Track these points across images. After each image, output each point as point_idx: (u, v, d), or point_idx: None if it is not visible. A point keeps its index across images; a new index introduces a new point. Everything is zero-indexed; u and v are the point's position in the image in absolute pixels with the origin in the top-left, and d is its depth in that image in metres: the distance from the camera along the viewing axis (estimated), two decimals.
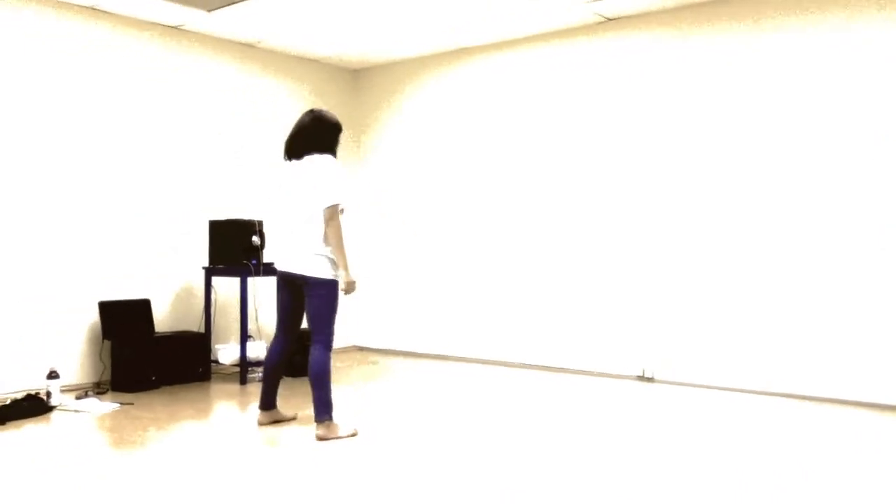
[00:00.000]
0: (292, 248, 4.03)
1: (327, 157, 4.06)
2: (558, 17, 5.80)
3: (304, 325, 5.14)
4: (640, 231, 5.75)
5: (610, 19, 5.86)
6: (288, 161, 4.16)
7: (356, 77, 7.56)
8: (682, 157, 5.55)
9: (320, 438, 3.96)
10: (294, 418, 4.46)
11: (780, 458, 3.61)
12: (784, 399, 5.01)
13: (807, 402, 4.91)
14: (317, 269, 3.98)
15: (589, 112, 6.01)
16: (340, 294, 3.95)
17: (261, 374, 5.82)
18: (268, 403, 4.33)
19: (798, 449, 3.79)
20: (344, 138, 7.42)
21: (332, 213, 3.97)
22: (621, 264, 5.84)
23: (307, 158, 4.07)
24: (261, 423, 4.33)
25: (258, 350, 6.03)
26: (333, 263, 4.01)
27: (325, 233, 3.98)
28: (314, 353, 3.99)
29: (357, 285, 6.69)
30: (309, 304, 4.03)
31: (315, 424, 4.01)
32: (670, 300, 5.60)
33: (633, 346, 5.77)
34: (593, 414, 4.57)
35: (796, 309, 5.08)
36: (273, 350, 4.26)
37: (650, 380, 5.67)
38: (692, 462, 3.54)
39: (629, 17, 5.79)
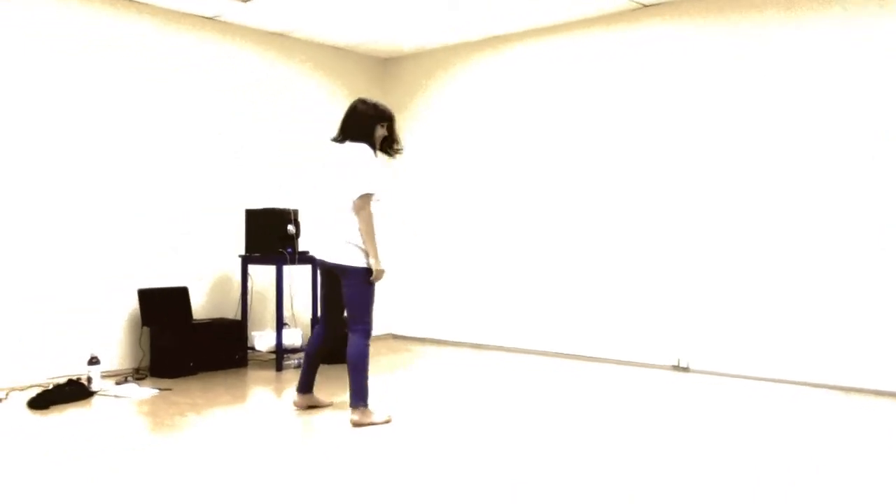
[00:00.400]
0: (328, 237, 4.06)
1: (362, 145, 4.08)
2: (593, 3, 5.74)
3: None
4: (677, 219, 5.69)
5: (646, 6, 5.78)
6: (336, 143, 4.18)
7: (386, 66, 7.57)
8: (723, 144, 5.47)
9: (355, 424, 3.99)
10: (330, 405, 4.50)
11: (818, 450, 3.56)
12: (824, 390, 4.94)
13: (850, 394, 4.83)
14: (350, 257, 4.00)
15: (623, 100, 5.94)
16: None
17: (297, 361, 5.90)
18: (306, 387, 4.38)
19: (832, 441, 3.73)
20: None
21: (363, 203, 3.97)
22: (657, 253, 5.79)
23: (347, 145, 4.11)
24: (296, 405, 4.39)
25: (293, 337, 6.08)
26: (366, 252, 4.03)
27: (358, 219, 4.00)
28: (352, 340, 4.03)
29: (385, 275, 6.72)
30: (346, 292, 4.06)
31: (350, 410, 4.04)
32: (706, 289, 5.54)
33: (669, 336, 5.72)
34: (627, 404, 4.54)
35: (837, 298, 4.99)
36: (316, 336, 4.33)
37: (685, 369, 5.61)
38: (727, 453, 3.51)
39: (666, 3, 5.71)
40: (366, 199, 3.98)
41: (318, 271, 4.25)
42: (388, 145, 4.27)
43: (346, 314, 4.12)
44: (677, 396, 4.73)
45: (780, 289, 5.21)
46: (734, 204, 5.42)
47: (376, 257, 4.01)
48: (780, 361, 5.20)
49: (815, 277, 5.07)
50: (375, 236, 3.99)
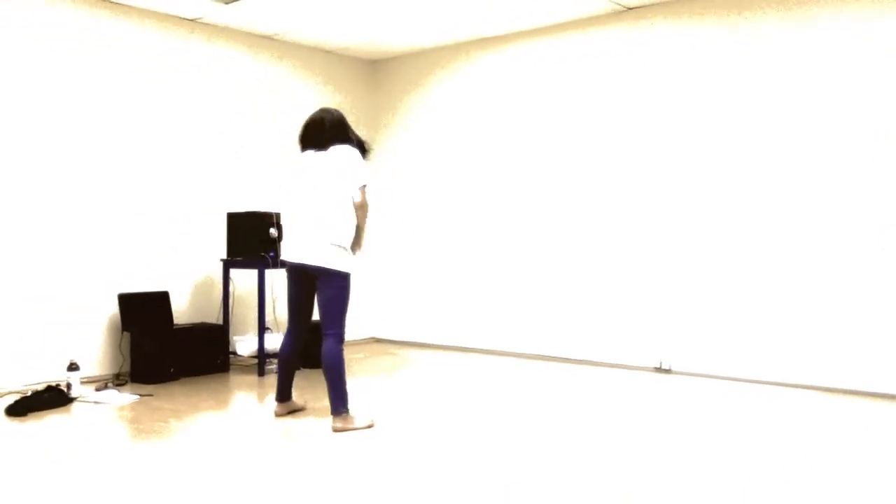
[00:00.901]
0: (308, 240, 4.03)
1: (346, 146, 4.15)
2: (577, 6, 5.75)
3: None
4: (657, 222, 5.71)
5: (629, 8, 5.80)
6: (309, 151, 4.16)
7: (374, 68, 7.55)
8: (703, 147, 5.50)
9: (337, 430, 3.97)
10: (304, 407, 4.49)
11: (799, 451, 3.58)
12: (805, 391, 4.97)
13: (828, 394, 4.86)
14: (335, 260, 4.00)
15: (607, 103, 5.96)
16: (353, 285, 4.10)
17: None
18: (284, 395, 4.35)
19: (816, 441, 3.75)
20: (361, 130, 7.42)
21: (364, 193, 4.12)
22: (638, 255, 5.80)
23: (333, 149, 4.12)
24: (277, 415, 4.35)
25: (276, 342, 6.04)
26: (348, 255, 4.04)
27: (356, 213, 4.10)
28: (327, 345, 4.01)
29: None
30: (323, 296, 4.04)
31: (332, 417, 4.02)
32: (687, 291, 5.56)
33: (650, 338, 5.74)
34: (609, 406, 4.54)
35: (817, 299, 5.02)
36: (286, 343, 4.28)
37: (667, 371, 5.63)
38: (709, 454, 3.52)
39: (649, 6, 5.73)
40: (364, 189, 4.11)
41: (289, 275, 4.21)
42: (362, 146, 4.31)
43: (320, 318, 4.09)
44: (660, 398, 4.74)
45: (762, 290, 5.24)
46: (716, 205, 5.44)
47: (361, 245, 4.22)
48: (761, 363, 5.23)
49: (798, 278, 5.10)
50: None
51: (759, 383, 5.21)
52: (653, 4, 5.69)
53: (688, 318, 5.56)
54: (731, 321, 5.36)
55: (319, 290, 4.07)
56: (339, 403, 3.99)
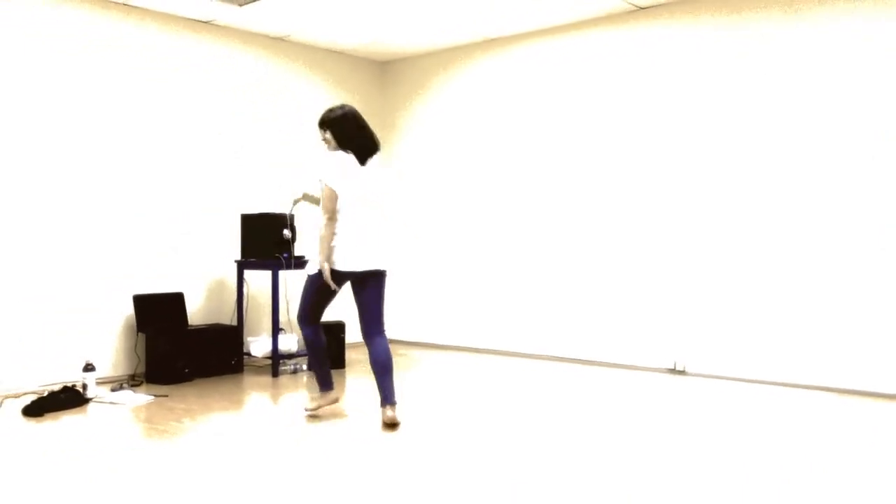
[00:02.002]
0: (375, 246, 4.18)
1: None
2: (589, 5, 5.74)
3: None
4: (673, 222, 5.69)
5: (641, 8, 5.79)
6: (363, 161, 4.23)
7: (384, 69, 7.56)
8: (718, 148, 5.47)
9: (395, 422, 4.10)
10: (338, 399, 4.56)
11: (815, 454, 3.55)
12: (823, 393, 4.93)
13: (846, 396, 4.82)
14: (389, 261, 4.31)
15: (619, 103, 5.94)
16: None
17: (293, 367, 5.88)
18: (330, 383, 4.44)
19: (834, 444, 3.72)
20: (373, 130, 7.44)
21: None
22: (653, 256, 5.78)
23: (371, 157, 4.27)
24: (320, 406, 4.41)
25: (289, 343, 6.07)
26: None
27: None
28: (384, 342, 4.17)
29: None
30: (378, 294, 4.19)
31: (389, 407, 4.10)
32: (702, 291, 5.53)
33: (665, 339, 5.71)
34: (623, 408, 4.53)
35: (834, 300, 4.99)
36: (320, 334, 4.35)
37: (682, 372, 5.61)
38: (723, 457, 3.50)
39: (661, 6, 5.71)
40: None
41: (339, 280, 4.18)
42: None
43: (370, 317, 4.16)
44: (674, 400, 4.72)
45: (777, 290, 5.21)
46: (730, 206, 5.41)
47: None
48: (776, 364, 5.20)
49: (813, 279, 5.07)
50: None
51: (775, 385, 5.18)
52: (666, 4, 5.67)
53: (702, 319, 5.54)
54: (747, 321, 5.33)
55: (373, 290, 4.16)
56: (395, 394, 4.28)
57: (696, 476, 3.21)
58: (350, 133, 4.19)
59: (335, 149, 4.21)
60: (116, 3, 5.54)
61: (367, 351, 6.90)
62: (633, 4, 5.70)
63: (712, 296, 5.49)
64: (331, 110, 4.23)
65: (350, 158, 4.14)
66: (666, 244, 5.72)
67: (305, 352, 6.04)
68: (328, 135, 4.23)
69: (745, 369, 5.33)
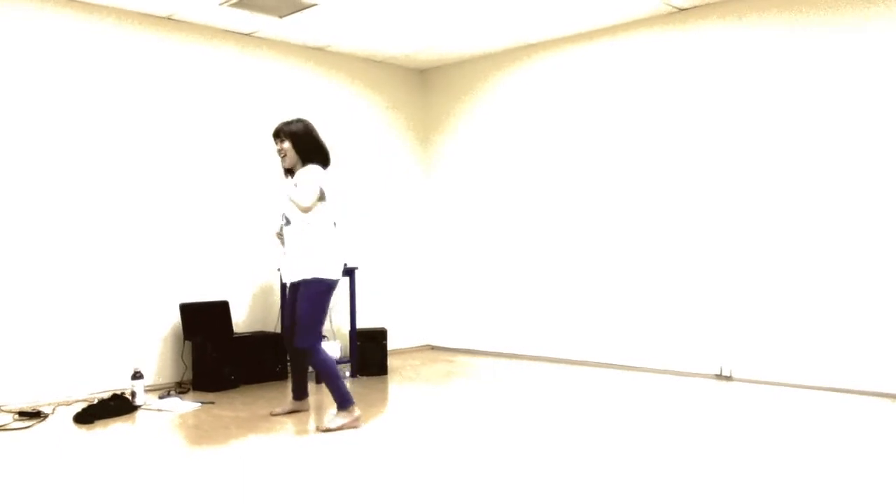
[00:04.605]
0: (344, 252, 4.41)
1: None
2: (630, 7, 5.69)
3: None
4: (718, 225, 5.60)
5: (682, 9, 5.72)
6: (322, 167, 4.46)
7: (424, 77, 7.59)
8: (762, 148, 5.38)
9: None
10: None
11: (870, 462, 3.46)
12: (878, 398, 4.81)
13: None
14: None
15: (661, 106, 5.88)
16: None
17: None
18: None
19: (889, 452, 3.62)
20: (413, 138, 7.48)
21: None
22: (699, 259, 5.70)
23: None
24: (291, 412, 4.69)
25: (332, 349, 6.11)
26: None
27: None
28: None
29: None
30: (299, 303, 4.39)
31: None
32: (749, 294, 5.43)
33: (711, 344, 5.62)
34: (670, 414, 4.47)
35: (888, 302, 4.86)
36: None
37: (728, 378, 5.51)
38: (776, 465, 3.43)
39: (703, 7, 5.64)
40: None
41: (334, 287, 4.43)
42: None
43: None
44: (721, 406, 4.65)
45: (828, 291, 5.09)
46: (778, 208, 5.31)
47: None
48: (828, 368, 5.08)
49: (867, 280, 4.95)
50: None
51: (827, 391, 5.06)
52: (706, 5, 5.60)
53: (749, 322, 5.44)
54: (796, 324, 5.22)
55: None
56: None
57: (748, 487, 3.15)
58: (316, 145, 4.42)
59: (294, 161, 4.38)
60: (160, 17, 5.65)
61: (407, 358, 6.92)
62: (673, 6, 5.64)
63: (759, 299, 5.39)
64: (289, 123, 4.40)
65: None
66: (712, 247, 5.64)
67: (343, 360, 6.09)
68: (287, 145, 4.38)
69: (794, 374, 5.22)
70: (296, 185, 4.30)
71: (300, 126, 4.38)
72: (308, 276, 4.28)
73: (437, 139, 7.49)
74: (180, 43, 5.78)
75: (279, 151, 4.38)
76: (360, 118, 7.01)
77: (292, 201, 4.25)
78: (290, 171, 4.45)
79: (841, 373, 5.02)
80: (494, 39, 6.50)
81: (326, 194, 4.31)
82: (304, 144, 4.37)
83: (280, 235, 4.50)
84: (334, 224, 4.39)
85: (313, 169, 4.32)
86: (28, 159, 5.05)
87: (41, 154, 5.10)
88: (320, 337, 4.34)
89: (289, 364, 4.50)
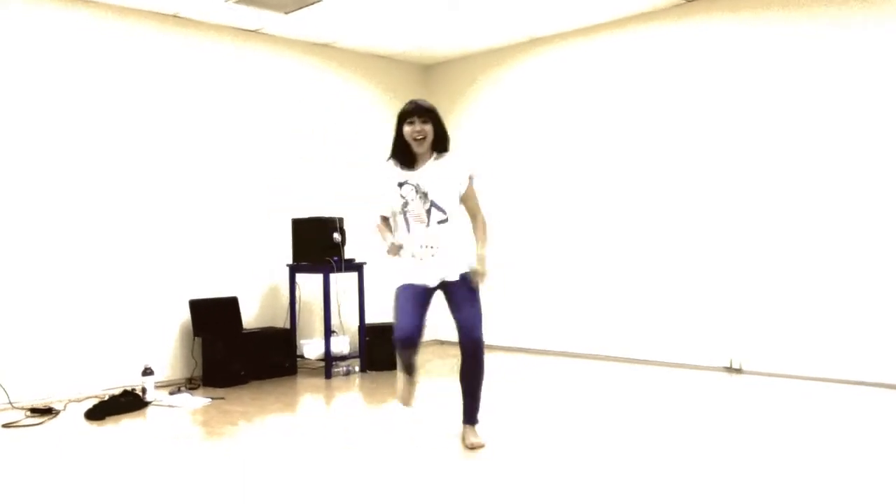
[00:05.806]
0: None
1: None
2: (634, 1, 5.67)
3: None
4: (728, 219, 5.58)
5: (689, 1, 5.70)
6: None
7: (429, 72, 7.58)
8: (771, 143, 5.36)
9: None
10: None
11: (883, 455, 3.45)
12: (884, 389, 4.79)
13: None
14: None
15: (669, 100, 5.86)
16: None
17: (345, 368, 5.94)
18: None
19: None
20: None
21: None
22: (708, 254, 5.68)
23: None
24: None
25: (342, 345, 6.12)
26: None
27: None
28: None
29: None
30: None
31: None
32: (758, 286, 5.42)
33: (720, 336, 5.61)
34: (681, 407, 4.46)
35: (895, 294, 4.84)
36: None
37: (738, 371, 5.50)
38: (788, 457, 3.42)
39: None
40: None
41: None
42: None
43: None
44: (732, 399, 4.64)
45: (839, 283, 5.07)
46: (788, 202, 5.29)
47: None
48: (838, 360, 5.06)
49: (877, 272, 4.92)
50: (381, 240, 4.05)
51: (836, 382, 5.04)
52: None
53: (759, 315, 5.42)
54: (805, 317, 5.20)
55: None
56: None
57: (759, 479, 3.15)
58: (446, 131, 3.85)
59: (427, 147, 3.73)
60: (166, 14, 5.66)
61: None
62: None
63: (769, 292, 5.37)
64: (425, 102, 3.80)
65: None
66: (722, 242, 5.62)
67: (352, 355, 6.06)
68: (428, 127, 3.74)
69: (804, 366, 5.20)
70: (471, 175, 3.80)
71: (435, 108, 3.78)
72: (467, 269, 3.80)
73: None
74: (186, 40, 5.80)
75: (417, 133, 3.69)
76: (365, 114, 7.02)
77: (470, 193, 3.78)
78: (406, 158, 3.80)
79: (851, 365, 5.00)
80: (499, 34, 6.49)
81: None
82: (442, 128, 3.81)
83: (397, 246, 3.90)
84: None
85: (461, 154, 3.78)
86: (29, 160, 5.07)
87: (44, 154, 5.13)
88: None
89: (400, 368, 3.89)
